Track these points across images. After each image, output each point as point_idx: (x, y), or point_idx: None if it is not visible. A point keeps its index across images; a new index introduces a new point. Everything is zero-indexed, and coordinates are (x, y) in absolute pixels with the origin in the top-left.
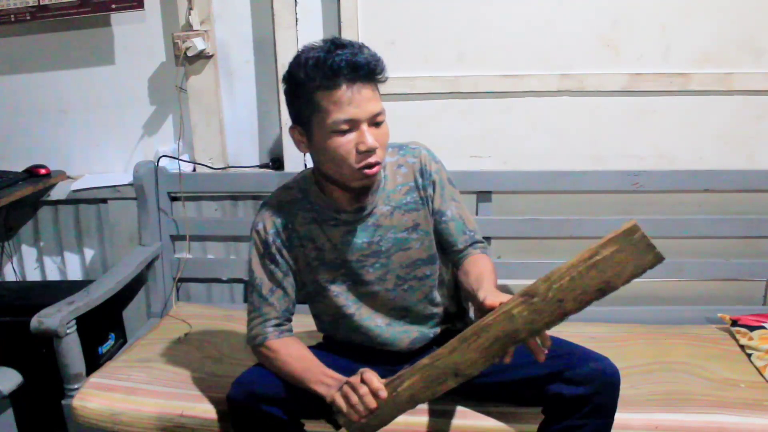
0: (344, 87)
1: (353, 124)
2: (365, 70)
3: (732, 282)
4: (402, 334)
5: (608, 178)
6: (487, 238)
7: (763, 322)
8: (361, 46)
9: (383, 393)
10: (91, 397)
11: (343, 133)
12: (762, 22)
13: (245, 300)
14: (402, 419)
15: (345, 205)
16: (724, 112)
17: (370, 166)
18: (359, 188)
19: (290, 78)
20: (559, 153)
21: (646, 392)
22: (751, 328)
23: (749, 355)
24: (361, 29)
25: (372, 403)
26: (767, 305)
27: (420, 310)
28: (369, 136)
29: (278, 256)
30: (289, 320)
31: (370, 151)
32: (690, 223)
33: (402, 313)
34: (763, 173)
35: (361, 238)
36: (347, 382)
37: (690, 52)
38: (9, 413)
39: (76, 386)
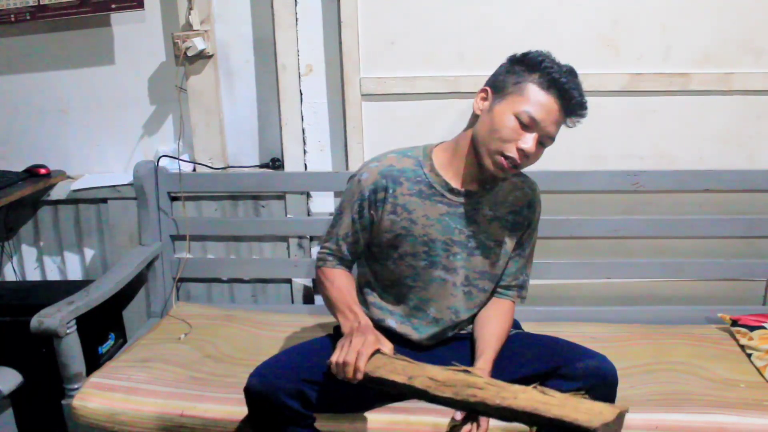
0: (552, 100)
1: (532, 125)
2: (570, 108)
3: (732, 282)
4: (428, 328)
5: (608, 178)
6: None
7: (763, 322)
8: (582, 93)
9: (360, 375)
10: (91, 397)
11: (521, 123)
12: (762, 22)
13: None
14: (402, 418)
15: (456, 186)
16: (724, 112)
17: (511, 160)
18: (486, 173)
19: (526, 58)
20: (559, 153)
21: (646, 392)
22: (751, 328)
23: (749, 355)
24: (361, 29)
25: (349, 373)
26: (767, 305)
27: (458, 317)
28: (532, 143)
29: (366, 211)
30: (350, 262)
31: (520, 152)
32: (690, 223)
33: (445, 313)
34: (763, 173)
35: (457, 223)
36: (350, 340)
37: (690, 52)
38: (9, 413)
39: (76, 386)
